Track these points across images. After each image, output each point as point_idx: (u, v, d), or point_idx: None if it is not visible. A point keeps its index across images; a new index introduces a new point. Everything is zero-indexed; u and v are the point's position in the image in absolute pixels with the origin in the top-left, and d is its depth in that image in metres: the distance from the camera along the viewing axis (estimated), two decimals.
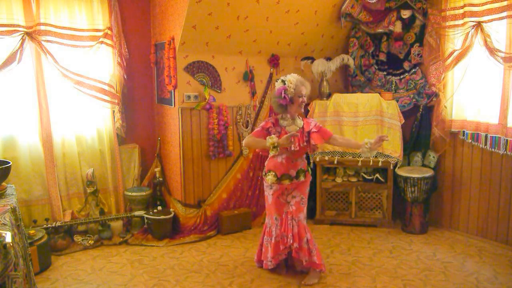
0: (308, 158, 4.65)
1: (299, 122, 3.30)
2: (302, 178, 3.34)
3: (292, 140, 3.09)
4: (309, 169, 3.46)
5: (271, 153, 3.16)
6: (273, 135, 3.12)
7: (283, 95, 3.18)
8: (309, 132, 3.26)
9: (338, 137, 3.35)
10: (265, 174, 3.36)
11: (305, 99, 3.25)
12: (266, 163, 3.40)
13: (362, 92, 4.95)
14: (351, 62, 4.85)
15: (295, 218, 3.31)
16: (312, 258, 3.33)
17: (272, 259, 3.38)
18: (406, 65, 4.69)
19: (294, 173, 3.30)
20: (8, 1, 3.80)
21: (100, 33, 4.29)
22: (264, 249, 3.48)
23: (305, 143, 3.27)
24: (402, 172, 4.41)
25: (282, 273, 3.50)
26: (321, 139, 3.24)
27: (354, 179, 4.67)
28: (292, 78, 3.22)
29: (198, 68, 4.30)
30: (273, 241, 3.37)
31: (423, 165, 4.57)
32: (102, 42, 4.30)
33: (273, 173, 3.28)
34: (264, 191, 3.45)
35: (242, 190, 4.67)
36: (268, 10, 4.21)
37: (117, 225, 4.34)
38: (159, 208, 4.44)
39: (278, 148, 3.07)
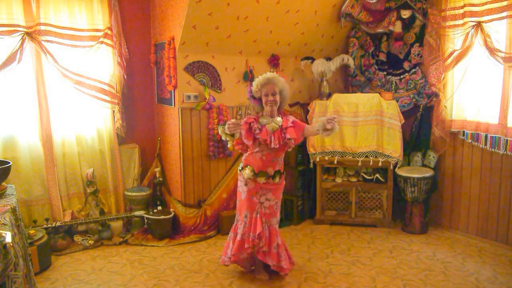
0: (309, 158, 4.66)
1: (279, 120, 3.27)
2: (277, 180, 3.31)
3: (234, 127, 3.17)
4: (284, 172, 3.42)
5: (229, 145, 3.34)
6: (224, 125, 3.27)
7: (248, 95, 3.32)
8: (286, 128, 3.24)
9: (308, 126, 3.30)
10: (242, 168, 3.32)
11: (274, 97, 3.20)
12: (243, 158, 3.38)
13: (362, 92, 4.95)
14: (351, 62, 4.85)
15: (267, 222, 3.31)
16: (280, 263, 3.34)
17: (232, 256, 3.36)
18: (406, 65, 4.69)
19: (272, 172, 3.28)
20: (8, 1, 3.80)
21: (100, 33, 4.29)
22: (226, 244, 3.47)
23: (285, 140, 3.23)
24: (402, 172, 4.41)
25: (264, 278, 3.40)
26: (297, 132, 3.22)
27: (354, 179, 4.67)
28: (258, 78, 3.26)
29: (198, 68, 4.30)
30: (238, 238, 3.35)
31: (423, 165, 4.57)
32: (102, 42, 4.30)
33: (251, 168, 3.25)
34: (238, 187, 3.41)
35: None
36: (268, 10, 4.21)
37: (117, 225, 4.34)
38: (159, 208, 4.44)
39: (233, 137, 3.22)
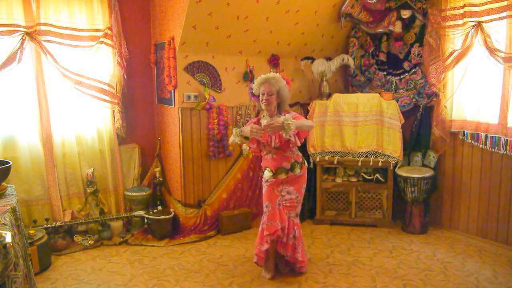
0: (309, 158, 4.65)
1: (286, 117, 3.27)
2: (297, 171, 3.35)
3: (257, 132, 3.12)
4: (305, 161, 3.47)
5: (245, 147, 3.37)
6: (237, 128, 3.33)
7: (249, 91, 3.42)
8: None
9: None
10: (262, 172, 3.45)
11: (268, 97, 3.22)
12: (261, 163, 3.50)
13: (362, 92, 4.95)
14: (351, 62, 4.85)
15: (287, 214, 3.37)
16: (296, 255, 3.39)
17: (256, 248, 3.39)
18: (406, 65, 4.69)
19: (288, 166, 3.34)
20: (8, 1, 3.80)
21: (100, 33, 4.29)
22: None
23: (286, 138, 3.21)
24: (402, 172, 4.41)
25: (267, 276, 3.41)
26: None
27: (354, 179, 4.67)
28: (258, 78, 3.32)
29: (198, 68, 4.30)
30: (259, 228, 3.42)
31: (423, 165, 4.57)
32: (102, 42, 4.30)
33: (269, 169, 3.36)
34: (262, 187, 3.52)
35: (242, 190, 4.67)
36: (268, 10, 4.21)
37: (117, 225, 4.34)
38: (159, 208, 4.44)
39: (249, 138, 3.25)
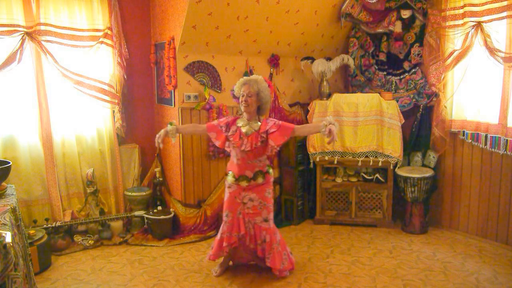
0: (309, 158, 4.65)
1: (255, 124, 3.29)
2: (260, 180, 3.32)
3: (159, 140, 3.23)
4: (270, 171, 3.43)
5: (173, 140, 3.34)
6: (173, 121, 3.35)
7: (231, 93, 3.40)
8: (267, 133, 3.24)
9: (299, 127, 3.29)
10: (226, 174, 3.43)
11: (248, 98, 3.22)
12: (227, 164, 3.49)
13: (362, 92, 4.95)
14: (351, 62, 4.85)
15: (251, 221, 3.36)
16: (267, 260, 3.38)
17: (211, 255, 3.46)
18: (406, 65, 4.69)
19: (251, 175, 3.30)
20: (8, 1, 3.80)
21: (100, 33, 4.29)
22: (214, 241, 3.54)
23: (258, 144, 3.22)
24: (402, 172, 4.41)
25: (216, 273, 3.48)
26: (282, 137, 3.21)
27: (354, 179, 4.67)
28: (239, 80, 3.33)
29: (198, 68, 4.30)
30: (218, 237, 3.44)
31: (423, 165, 4.57)
32: (102, 42, 4.30)
33: (232, 174, 3.35)
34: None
35: None
36: (268, 10, 4.21)
37: (117, 225, 4.34)
38: (159, 208, 4.44)
39: (173, 139, 3.27)
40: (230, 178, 3.35)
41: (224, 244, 3.36)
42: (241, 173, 3.30)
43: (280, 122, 3.27)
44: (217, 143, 3.36)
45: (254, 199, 3.34)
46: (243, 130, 3.26)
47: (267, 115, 3.45)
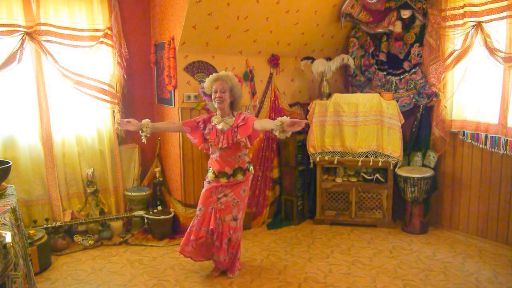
0: (309, 158, 4.65)
1: (230, 120, 3.28)
2: (240, 177, 3.32)
3: (122, 124, 3.23)
4: (250, 168, 3.42)
5: (143, 139, 3.29)
6: (147, 119, 3.28)
7: (200, 91, 3.37)
8: (237, 127, 3.23)
9: (258, 120, 3.20)
10: (207, 170, 3.43)
11: (221, 94, 3.20)
12: (208, 161, 3.48)
13: (362, 92, 4.95)
14: (351, 62, 4.85)
15: (221, 217, 3.33)
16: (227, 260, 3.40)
17: (180, 246, 3.42)
18: (406, 65, 4.69)
19: (230, 171, 3.31)
20: (8, 1, 3.80)
21: (100, 33, 4.29)
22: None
23: (235, 139, 3.21)
24: (402, 172, 4.41)
25: (214, 275, 3.48)
26: (248, 129, 3.18)
27: (354, 179, 4.67)
28: (209, 77, 3.31)
29: (198, 68, 4.30)
30: (188, 229, 3.42)
31: (423, 165, 4.57)
32: (102, 42, 4.30)
33: (212, 170, 3.35)
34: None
35: None
36: (268, 10, 4.20)
37: (117, 225, 4.34)
38: (159, 208, 4.44)
39: (146, 134, 3.23)
40: (210, 175, 3.36)
41: (192, 237, 3.33)
42: (221, 170, 3.31)
43: (249, 115, 3.26)
44: (194, 142, 3.37)
45: (228, 195, 3.34)
46: (219, 127, 3.26)
47: (241, 110, 3.42)
